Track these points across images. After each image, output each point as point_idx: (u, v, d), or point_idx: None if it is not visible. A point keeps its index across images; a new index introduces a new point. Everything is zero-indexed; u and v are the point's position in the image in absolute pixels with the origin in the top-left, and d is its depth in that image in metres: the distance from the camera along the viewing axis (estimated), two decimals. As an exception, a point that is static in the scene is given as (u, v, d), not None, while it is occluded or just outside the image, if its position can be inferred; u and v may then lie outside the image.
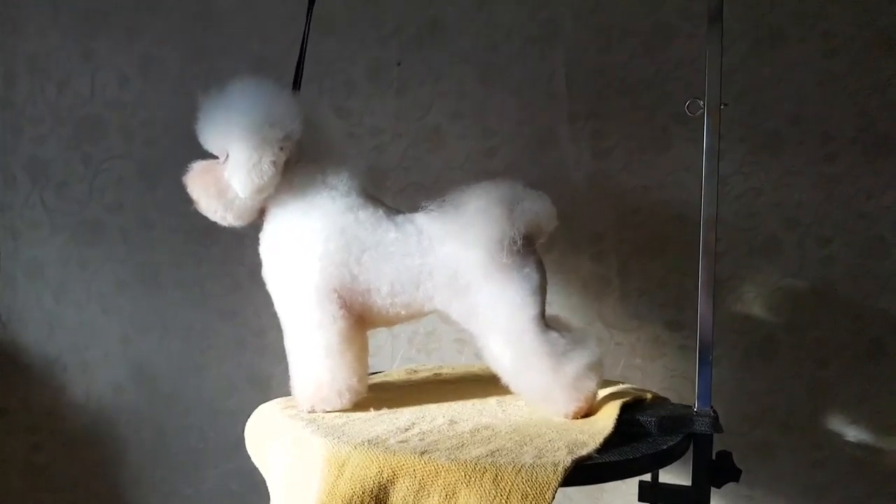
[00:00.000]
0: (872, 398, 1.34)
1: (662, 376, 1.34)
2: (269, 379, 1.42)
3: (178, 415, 1.46)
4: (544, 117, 1.36)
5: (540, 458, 0.72)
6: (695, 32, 1.30)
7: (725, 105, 0.89)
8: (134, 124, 1.43)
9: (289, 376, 0.95)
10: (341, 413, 0.90)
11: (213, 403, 1.45)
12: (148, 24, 1.41)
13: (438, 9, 1.36)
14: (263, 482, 1.38)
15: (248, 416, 1.02)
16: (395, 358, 1.40)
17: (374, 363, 1.13)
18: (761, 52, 1.32)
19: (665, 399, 1.01)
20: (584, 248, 1.37)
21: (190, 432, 1.46)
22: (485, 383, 1.03)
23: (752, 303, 1.36)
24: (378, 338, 1.38)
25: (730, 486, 1.32)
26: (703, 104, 0.89)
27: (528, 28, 1.36)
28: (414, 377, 1.15)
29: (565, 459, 0.71)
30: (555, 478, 0.68)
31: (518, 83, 1.36)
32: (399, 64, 1.37)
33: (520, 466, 0.70)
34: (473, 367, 1.22)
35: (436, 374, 1.17)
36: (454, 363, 1.32)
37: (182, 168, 0.96)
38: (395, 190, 1.37)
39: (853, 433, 1.35)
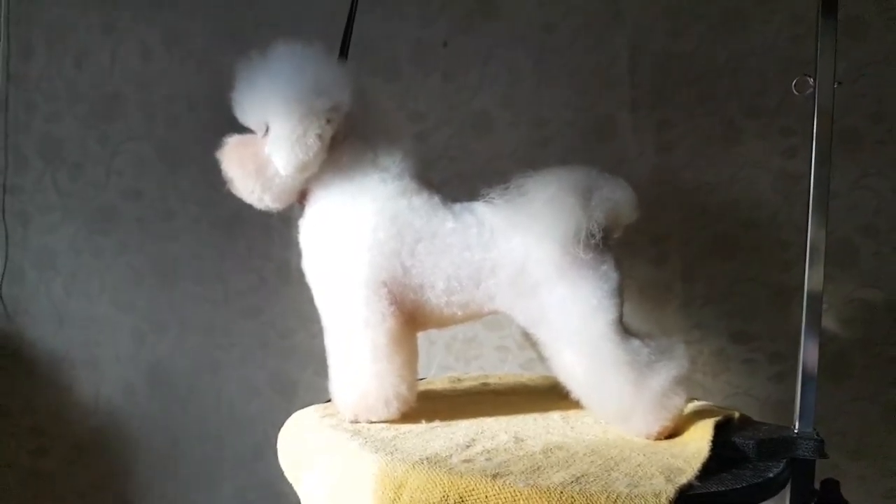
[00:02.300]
0: None
1: (725, 393, 1.28)
2: (295, 384, 1.39)
3: (193, 420, 1.44)
4: (603, 105, 1.32)
5: (635, 486, 0.63)
6: (769, 19, 1.24)
7: (840, 84, 0.82)
8: (156, 102, 1.42)
9: (317, 382, 0.92)
10: (389, 425, 0.82)
11: (233, 409, 1.43)
12: None
13: (490, -16, 1.33)
14: (285, 494, 1.31)
15: (271, 423, 0.97)
16: (430, 366, 1.35)
17: None
18: (840, 42, 1.26)
19: (753, 420, 0.93)
20: (644, 250, 1.31)
21: (206, 439, 1.44)
22: (541, 395, 0.98)
23: (825, 315, 1.27)
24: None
25: None
26: (814, 82, 0.82)
27: (588, 7, 1.32)
28: (459, 386, 1.08)
29: (667, 488, 0.62)
30: None
31: (575, 67, 1.33)
32: (445, 44, 1.34)
33: (615, 496, 0.61)
34: (522, 376, 1.16)
35: (483, 383, 1.10)
36: (497, 373, 1.27)
37: (207, 151, 0.91)
38: (437, 181, 1.30)
39: None
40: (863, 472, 1.28)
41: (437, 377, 1.20)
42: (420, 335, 1.29)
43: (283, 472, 0.94)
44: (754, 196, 1.26)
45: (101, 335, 1.44)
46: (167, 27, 1.40)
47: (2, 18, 1.42)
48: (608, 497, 0.60)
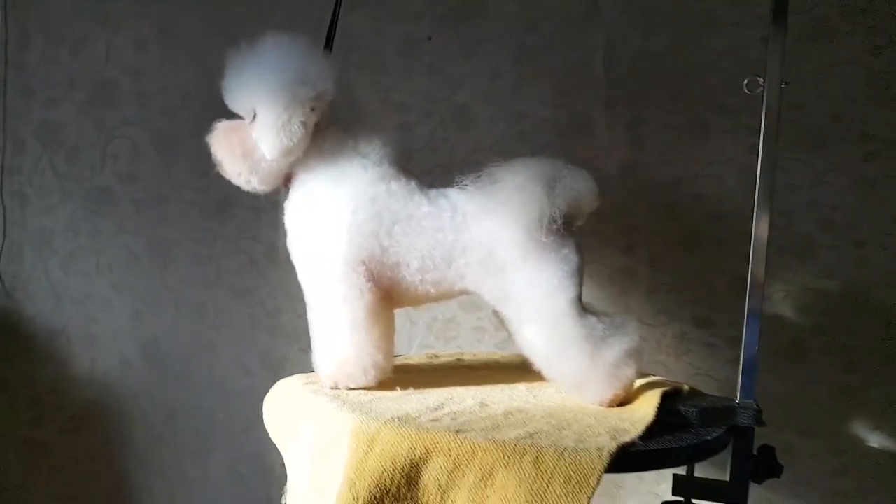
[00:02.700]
0: None
1: (687, 373, 1.33)
2: (283, 361, 1.42)
3: (186, 394, 1.46)
4: (579, 102, 1.35)
5: (582, 442, 0.70)
6: (741, 21, 1.28)
7: (787, 84, 0.87)
8: (150, 91, 1.45)
9: (303, 358, 0.96)
10: (366, 391, 0.88)
11: (224, 384, 1.45)
12: None
13: (473, -17, 1.36)
14: (273, 466, 1.36)
15: (260, 398, 1.01)
16: (412, 345, 1.40)
17: None
18: (806, 45, 1.31)
19: (702, 392, 0.99)
20: (615, 240, 1.36)
21: (199, 413, 1.46)
22: (511, 370, 1.03)
23: (782, 303, 1.35)
24: (395, 323, 1.37)
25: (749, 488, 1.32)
26: (763, 82, 0.87)
27: (567, 8, 1.35)
28: (435, 361, 1.14)
29: (609, 444, 0.69)
30: (600, 462, 0.66)
31: (554, 65, 1.35)
32: (430, 39, 1.37)
33: (562, 449, 0.68)
34: (496, 354, 1.22)
35: (458, 359, 1.16)
36: (473, 351, 1.32)
37: (199, 138, 0.95)
38: (420, 171, 1.33)
39: (877, 440, 1.34)
40: (815, 450, 1.34)
41: (417, 354, 1.25)
42: (402, 316, 1.36)
43: (272, 445, 0.97)
44: (719, 191, 1.30)
45: (98, 312, 1.46)
46: (160, 19, 1.42)
47: (0, 8, 1.43)
48: (556, 450, 0.67)
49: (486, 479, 0.66)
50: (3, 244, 1.46)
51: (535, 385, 0.94)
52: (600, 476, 0.65)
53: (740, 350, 1.33)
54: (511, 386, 0.94)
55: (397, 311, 1.26)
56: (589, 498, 0.64)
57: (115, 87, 1.44)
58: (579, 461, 0.66)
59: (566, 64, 1.35)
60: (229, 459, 1.47)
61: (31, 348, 1.46)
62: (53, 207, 1.45)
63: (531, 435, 0.71)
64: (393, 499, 0.68)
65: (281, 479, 0.91)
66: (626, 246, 1.36)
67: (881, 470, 1.32)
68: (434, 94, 1.37)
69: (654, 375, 1.05)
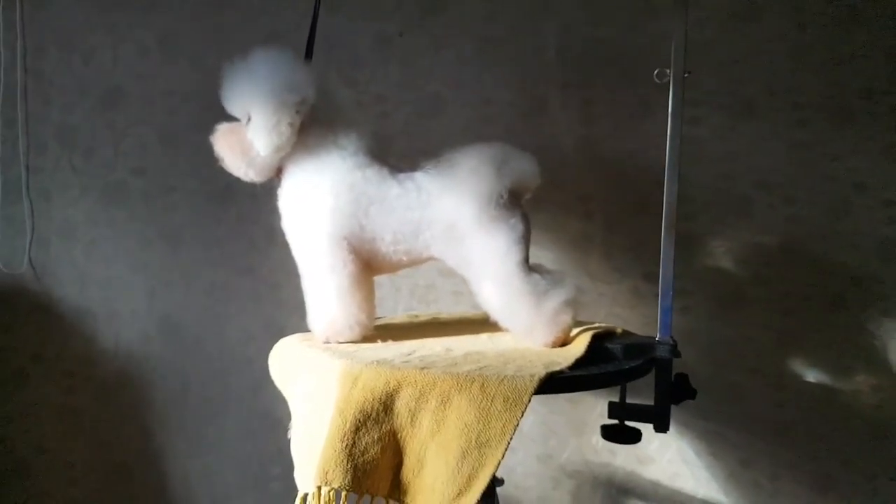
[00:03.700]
0: (833, 345, 1.42)
1: (640, 322, 1.42)
2: (284, 329, 1.36)
3: (201, 361, 1.52)
4: (538, 86, 1.42)
5: (520, 371, 0.84)
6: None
7: (689, 73, 0.98)
8: (154, 94, 1.48)
9: (301, 325, 1.04)
10: (352, 344, 1.01)
11: (233, 351, 1.52)
12: (167, 1, 1.47)
13: (438, -17, 1.43)
14: (280, 420, 1.44)
15: (265, 362, 1.10)
16: (397, 308, 1.50)
17: (378, 312, 1.19)
18: (738, 25, 1.39)
19: (633, 333, 1.12)
20: (573, 208, 1.44)
21: (212, 378, 1.52)
22: (478, 324, 1.14)
23: (725, 257, 1.44)
24: (382, 290, 1.47)
25: (701, 424, 1.44)
26: (670, 73, 0.99)
27: (522, 1, 1.41)
28: (415, 321, 1.26)
29: (540, 372, 0.83)
30: (531, 384, 0.80)
31: (513, 54, 1.42)
32: (401, 35, 1.43)
33: (503, 377, 0.82)
34: (469, 313, 1.33)
35: (434, 318, 1.28)
36: (451, 312, 1.41)
37: (200, 135, 1.03)
38: (398, 154, 1.43)
39: (814, 376, 1.44)
40: (761, 387, 1.43)
41: (400, 315, 1.36)
42: (388, 285, 1.47)
43: (278, 402, 1.03)
44: (663, 160, 1.33)
45: (119, 293, 1.51)
46: (161, 29, 1.46)
47: (17, 23, 1.46)
48: (498, 377, 0.81)
49: (445, 402, 0.81)
50: (32, 236, 1.50)
51: (496, 334, 1.06)
52: (531, 395, 0.80)
53: (686, 301, 1.41)
54: (475, 336, 1.07)
55: (383, 280, 1.37)
56: (522, 412, 0.79)
57: (123, 91, 1.48)
58: (515, 385, 0.81)
59: (524, 52, 1.41)
60: (241, 416, 1.53)
61: (61, 327, 1.51)
62: (74, 201, 1.50)
63: (481, 368, 0.85)
64: (373, 422, 0.82)
65: (286, 431, 1.00)
66: (583, 213, 1.44)
67: (818, 401, 1.42)
68: (407, 85, 1.43)
69: (608, 325, 1.14)
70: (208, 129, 1.05)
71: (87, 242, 1.52)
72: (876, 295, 1.42)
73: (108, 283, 1.52)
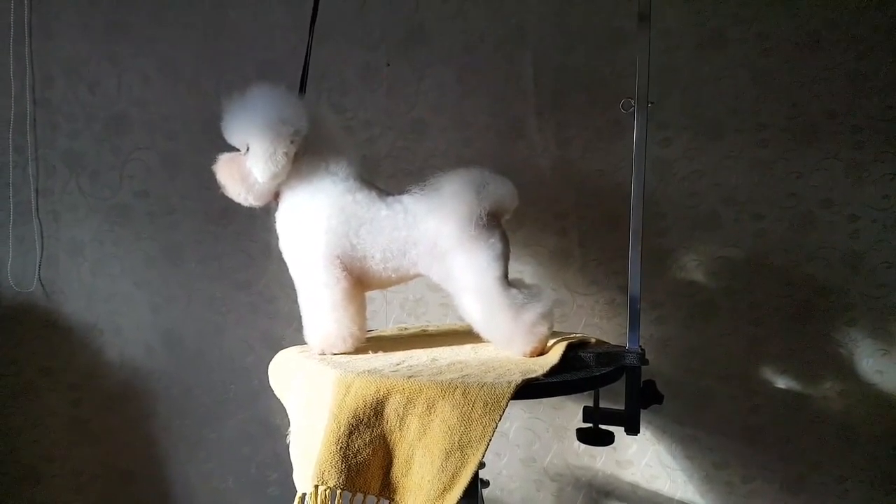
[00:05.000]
0: (800, 352, 1.49)
1: (617, 332, 1.48)
2: (281, 339, 1.53)
3: (202, 372, 1.56)
4: (514, 111, 1.49)
5: (499, 378, 0.92)
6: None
7: (652, 104, 1.06)
8: (156, 120, 1.52)
9: (297, 337, 1.09)
10: (345, 355, 1.08)
11: (233, 361, 1.56)
12: (166, 33, 1.53)
13: (420, 17, 1.50)
14: (278, 427, 1.52)
15: (264, 371, 1.16)
16: (388, 321, 1.56)
17: (370, 324, 1.28)
18: (704, 52, 1.47)
19: (606, 343, 1.19)
20: (550, 225, 1.51)
21: (213, 386, 1.56)
22: (463, 336, 1.21)
23: (695, 270, 1.51)
24: (374, 304, 1.54)
25: (676, 428, 1.51)
26: (634, 102, 1.06)
27: (499, 33, 1.48)
28: (404, 333, 1.33)
29: (517, 379, 0.91)
30: (508, 390, 0.88)
31: (491, 81, 1.49)
32: (388, 65, 1.50)
33: (483, 384, 0.90)
34: (455, 325, 1.40)
35: (423, 330, 1.35)
36: (439, 324, 1.48)
37: (199, 158, 1.09)
38: (385, 175, 1.51)
39: (783, 382, 1.50)
40: (732, 393, 1.50)
41: (390, 328, 1.43)
42: (379, 299, 1.54)
43: (276, 410, 1.08)
44: None
45: (123, 308, 1.54)
46: (162, 58, 1.52)
47: (26, 53, 1.50)
48: (478, 384, 0.89)
49: (430, 407, 0.89)
50: (41, 255, 1.53)
51: (479, 345, 1.14)
52: (508, 400, 0.88)
53: (659, 312, 1.48)
54: (460, 346, 1.14)
55: (376, 294, 1.42)
56: (500, 415, 0.87)
57: (127, 117, 1.52)
58: (494, 391, 0.89)
59: (501, 79, 1.48)
60: (240, 423, 1.56)
61: (69, 340, 1.53)
62: (81, 222, 1.53)
63: (463, 376, 0.93)
64: (365, 426, 0.89)
65: (284, 437, 1.05)
66: (559, 229, 1.51)
67: (788, 406, 1.49)
68: (393, 111, 1.50)
69: (583, 335, 1.22)
70: (207, 152, 1.11)
71: (93, 261, 1.55)
72: (842, 305, 1.48)
73: (113, 298, 1.56)
